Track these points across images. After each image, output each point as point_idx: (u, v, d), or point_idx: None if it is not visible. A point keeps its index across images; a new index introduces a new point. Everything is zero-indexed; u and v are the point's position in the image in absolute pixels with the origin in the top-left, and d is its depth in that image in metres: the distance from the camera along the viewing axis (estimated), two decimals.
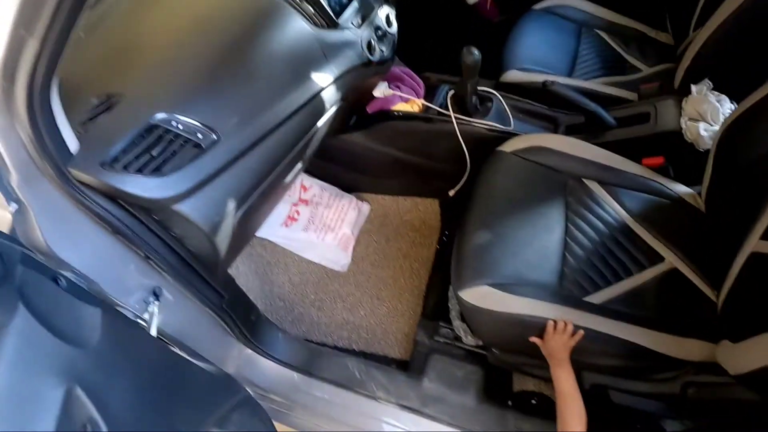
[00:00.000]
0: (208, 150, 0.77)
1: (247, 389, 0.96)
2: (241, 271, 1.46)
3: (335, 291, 1.44)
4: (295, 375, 1.16)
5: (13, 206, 0.64)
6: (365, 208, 1.59)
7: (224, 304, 1.01)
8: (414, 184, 1.54)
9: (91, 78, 0.77)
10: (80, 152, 0.67)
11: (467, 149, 1.28)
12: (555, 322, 0.86)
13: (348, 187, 1.62)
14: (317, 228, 1.50)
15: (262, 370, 1.16)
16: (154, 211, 0.77)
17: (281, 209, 1.52)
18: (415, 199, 1.57)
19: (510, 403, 1.08)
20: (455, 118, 1.25)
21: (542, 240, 1.00)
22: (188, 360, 0.81)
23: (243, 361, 1.14)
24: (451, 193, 1.50)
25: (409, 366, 1.18)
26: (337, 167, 1.58)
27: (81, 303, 0.62)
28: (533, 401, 1.08)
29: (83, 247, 0.74)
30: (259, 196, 0.91)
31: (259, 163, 0.87)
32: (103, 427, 0.54)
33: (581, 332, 0.85)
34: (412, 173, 1.47)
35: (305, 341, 1.26)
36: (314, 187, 1.56)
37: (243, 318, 1.10)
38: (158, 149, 0.72)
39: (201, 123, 0.78)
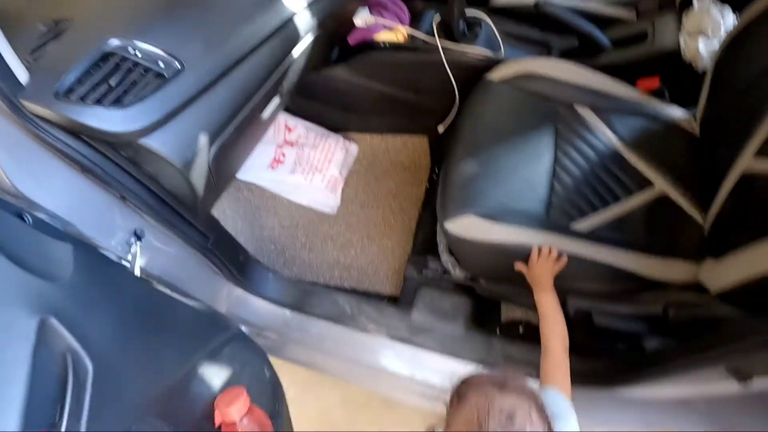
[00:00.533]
0: (172, 80, 0.73)
1: (240, 327, 0.99)
2: (228, 216, 1.45)
3: (325, 232, 1.44)
4: (287, 312, 1.19)
5: None
6: (353, 148, 1.55)
7: (210, 244, 1.00)
8: (402, 121, 1.49)
9: (36, 3, 0.71)
10: (31, 83, 0.63)
11: (455, 80, 1.22)
12: (540, 248, 0.85)
13: (334, 126, 1.57)
14: (304, 170, 1.47)
15: (254, 308, 1.18)
16: (121, 146, 0.74)
17: (266, 151, 1.49)
18: (404, 137, 1.53)
19: (498, 331, 1.11)
20: (442, 46, 1.18)
21: (530, 169, 0.97)
22: (173, 297, 0.81)
23: (234, 301, 1.16)
24: (441, 129, 1.45)
25: (399, 300, 1.20)
26: (322, 106, 1.52)
27: (50, 239, 0.61)
28: (520, 330, 1.11)
29: (53, 187, 0.72)
30: (234, 131, 0.88)
31: (229, 95, 0.83)
32: (84, 356, 0.55)
33: (565, 258, 0.85)
34: (399, 109, 1.42)
35: (296, 280, 1.28)
36: (299, 127, 1.52)
37: (231, 259, 1.10)
38: (116, 78, 0.68)
39: (162, 50, 0.73)
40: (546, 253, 0.85)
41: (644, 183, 0.97)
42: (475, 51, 1.18)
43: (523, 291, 0.96)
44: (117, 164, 0.75)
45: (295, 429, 1.44)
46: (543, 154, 1.00)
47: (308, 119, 1.55)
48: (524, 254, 0.87)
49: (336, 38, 1.27)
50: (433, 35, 1.20)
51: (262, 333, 1.20)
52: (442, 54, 1.18)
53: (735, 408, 0.65)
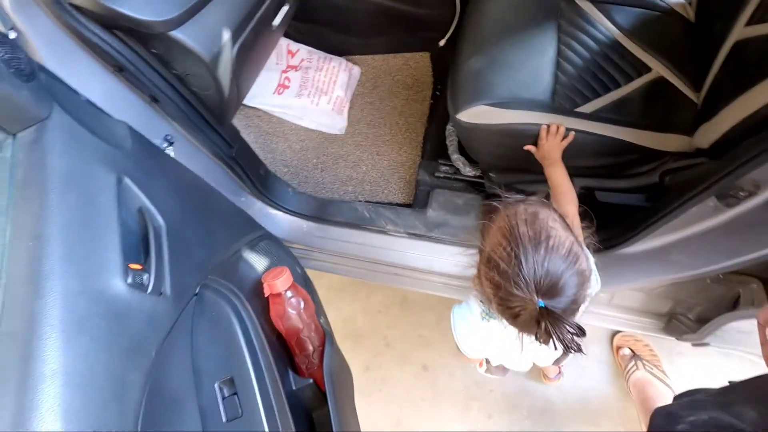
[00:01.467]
0: None
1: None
2: None
3: (335, 152, 1.49)
4: (309, 223, 1.26)
5: (12, 34, 0.64)
6: (356, 71, 1.57)
7: (234, 153, 1.05)
8: (402, 38, 1.50)
9: None
10: None
11: None
12: (548, 126, 0.92)
13: (336, 50, 1.58)
14: (310, 92, 1.50)
15: (277, 221, 1.25)
16: (152, 42, 0.77)
17: (271, 78, 1.51)
18: (405, 56, 1.55)
19: None
20: None
21: (534, 61, 1.02)
22: (216, 189, 0.87)
23: (257, 213, 1.23)
24: (442, 43, 1.48)
25: (414, 205, 1.27)
26: (323, 29, 1.53)
27: (107, 115, 0.66)
28: None
29: (90, 85, 0.75)
30: (251, 33, 0.90)
31: None
32: (156, 214, 0.61)
33: (573, 133, 0.91)
34: (399, 25, 1.43)
35: (312, 195, 1.34)
36: (301, 50, 1.53)
37: (253, 171, 1.15)
38: None
39: None
40: (554, 131, 0.91)
41: (643, 68, 1.02)
42: None
43: (533, 178, 1.04)
44: (148, 63, 0.79)
45: None
46: (546, 46, 1.04)
47: (310, 44, 1.56)
48: (533, 134, 0.94)
49: None
50: None
51: (287, 244, 1.28)
52: None
53: (707, 246, 0.74)
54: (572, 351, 0.61)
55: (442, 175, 1.22)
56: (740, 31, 0.85)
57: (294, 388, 0.84)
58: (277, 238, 1.07)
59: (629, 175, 0.97)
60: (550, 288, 0.59)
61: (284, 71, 1.51)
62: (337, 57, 1.55)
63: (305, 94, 1.49)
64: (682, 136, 0.93)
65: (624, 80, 1.01)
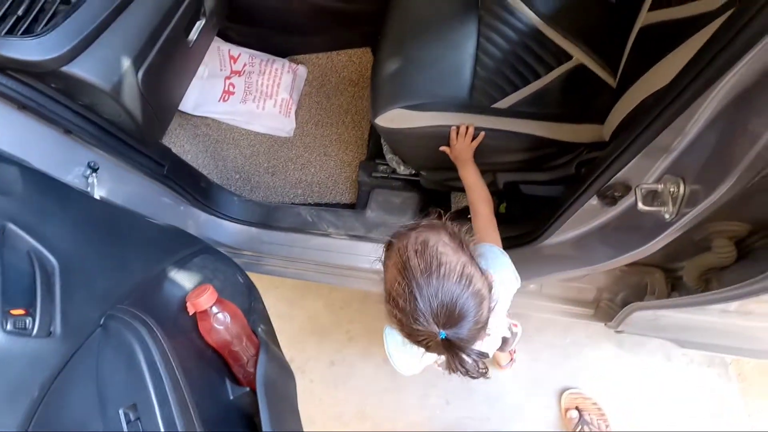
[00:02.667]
0: (80, 5, 0.75)
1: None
2: (189, 152, 1.51)
3: (285, 155, 1.50)
4: (255, 229, 1.28)
5: None
6: (301, 70, 1.56)
7: (165, 172, 1.07)
8: (342, 35, 1.49)
9: None
10: None
11: None
12: (458, 127, 0.92)
13: (281, 51, 1.57)
14: (255, 97, 1.50)
15: (223, 230, 1.28)
16: (48, 78, 0.78)
17: (215, 85, 1.51)
18: (348, 52, 1.54)
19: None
20: None
21: (454, 56, 1.01)
22: (133, 212, 0.90)
23: (203, 224, 1.25)
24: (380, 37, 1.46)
25: (357, 204, 1.29)
26: (264, 30, 1.52)
27: None
28: (469, 216, 1.21)
29: None
30: (159, 54, 0.91)
31: (144, 17, 0.85)
32: (47, 254, 0.64)
33: (482, 133, 0.92)
34: (336, 22, 1.42)
35: (259, 201, 1.36)
36: (243, 55, 1.52)
37: (191, 185, 1.17)
38: (23, 8, 0.71)
39: None
40: (463, 132, 0.92)
41: (563, 57, 1.01)
42: None
43: (458, 175, 1.05)
44: (51, 98, 0.80)
45: (288, 333, 1.60)
46: (465, 41, 1.03)
47: (252, 47, 1.55)
48: (447, 136, 0.94)
49: None
50: None
51: (236, 252, 1.31)
52: None
53: (598, 243, 0.75)
54: (476, 377, 0.62)
55: (379, 175, 1.23)
56: (645, 15, 0.84)
57: (231, 397, 0.87)
58: (216, 250, 1.10)
59: (548, 168, 0.97)
60: (448, 317, 0.59)
61: (228, 77, 1.51)
62: (280, 59, 1.55)
63: (250, 99, 1.50)
64: (594, 125, 0.92)
65: (544, 70, 1.00)
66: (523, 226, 0.99)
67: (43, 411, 0.54)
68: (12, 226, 0.61)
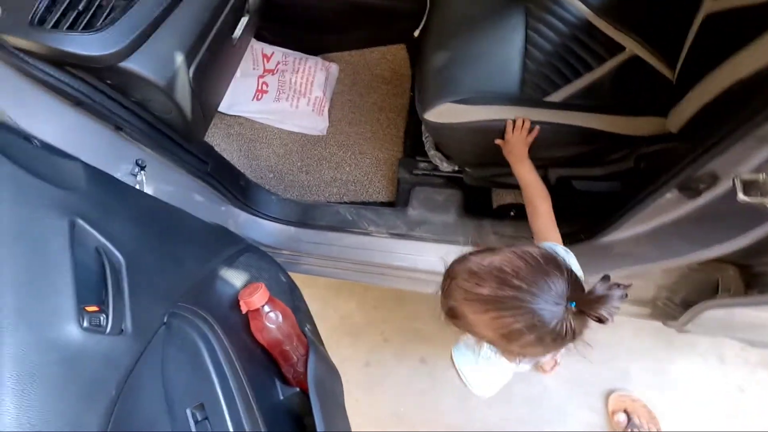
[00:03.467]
0: (136, 0, 0.74)
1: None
2: (224, 151, 1.50)
3: (319, 154, 1.49)
4: (293, 228, 1.27)
5: None
6: (333, 69, 1.55)
7: (209, 169, 1.06)
8: (377, 32, 1.47)
9: None
10: (5, 16, 0.66)
11: None
12: (513, 121, 0.90)
13: (313, 49, 1.56)
14: (288, 96, 1.49)
15: (262, 229, 1.27)
16: (104, 74, 0.77)
17: (249, 84, 1.50)
18: (381, 49, 1.52)
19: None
20: None
21: (501, 52, 0.99)
22: (185, 211, 0.89)
23: (242, 224, 1.24)
24: (416, 33, 1.44)
25: (396, 203, 1.27)
26: (297, 29, 1.51)
27: (59, 158, 0.67)
28: (512, 213, 1.18)
29: (50, 122, 0.76)
30: (207, 51, 0.90)
31: (196, 13, 0.84)
32: (114, 250, 0.63)
33: (537, 127, 0.89)
34: (372, 19, 1.40)
35: (296, 201, 1.35)
36: (276, 53, 1.51)
37: (232, 183, 1.16)
38: (83, 3, 0.70)
39: None
40: (519, 125, 0.89)
41: (615, 48, 0.98)
42: None
43: (507, 171, 1.03)
44: (105, 93, 0.79)
45: (322, 333, 1.59)
46: (514, 34, 1.01)
47: (285, 46, 1.54)
48: (500, 129, 0.92)
49: None
50: None
51: (274, 251, 1.30)
52: None
53: (674, 238, 0.72)
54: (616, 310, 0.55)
55: (420, 173, 1.21)
56: (708, 3, 0.81)
57: (282, 397, 0.86)
58: (259, 249, 1.09)
59: (604, 162, 0.94)
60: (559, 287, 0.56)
61: (261, 76, 1.50)
62: (313, 57, 1.54)
63: (283, 98, 1.49)
64: (656, 118, 0.89)
65: (596, 63, 0.97)
66: (576, 222, 0.96)
67: (119, 410, 0.53)
68: (81, 222, 0.60)
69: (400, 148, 1.41)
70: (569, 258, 0.74)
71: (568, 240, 0.97)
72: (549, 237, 0.81)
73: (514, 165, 0.90)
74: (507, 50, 0.99)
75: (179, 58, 0.83)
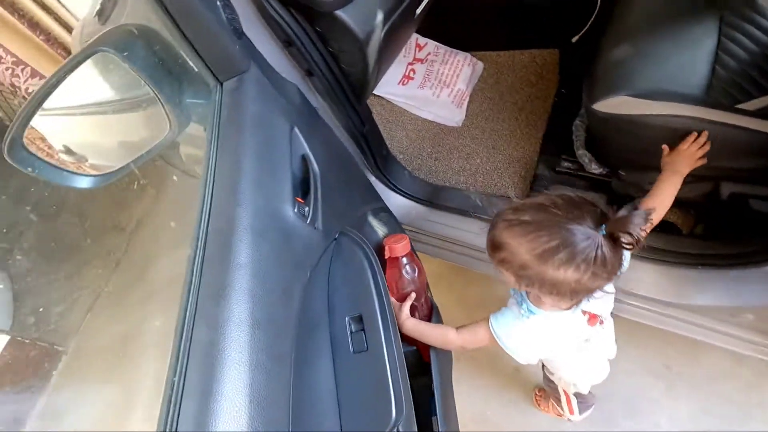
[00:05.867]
0: None
1: None
2: None
3: (451, 144, 1.52)
4: (421, 207, 1.31)
5: None
6: (479, 66, 1.59)
7: (365, 131, 1.14)
8: (532, 34, 1.49)
9: None
10: None
11: None
12: (698, 134, 0.85)
13: (462, 45, 1.62)
14: (433, 84, 1.55)
15: (392, 201, 1.32)
16: (317, 20, 0.87)
17: (397, 69, 1.59)
18: (532, 52, 1.53)
19: None
20: None
21: (687, 54, 0.95)
22: (353, 157, 0.96)
23: None
24: (574, 39, 1.43)
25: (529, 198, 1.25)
26: (451, 25, 1.58)
27: (281, 76, 0.77)
28: (657, 230, 1.11)
29: (264, 54, 0.88)
30: (399, 17, 0.98)
31: None
32: (314, 162, 0.70)
33: (708, 147, 0.84)
34: (531, 17, 1.42)
35: (426, 180, 1.39)
36: (429, 44, 1.59)
37: (377, 149, 1.23)
38: None
39: None
40: (701, 141, 0.84)
41: None
42: None
43: None
44: (310, 38, 0.90)
45: None
46: (705, 39, 0.96)
47: (436, 38, 1.62)
48: (676, 131, 0.87)
49: None
50: None
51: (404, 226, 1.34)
52: None
53: None
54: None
55: (564, 171, 1.19)
56: None
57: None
58: (393, 213, 1.14)
59: None
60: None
61: (410, 63, 1.59)
62: (462, 52, 1.59)
63: (428, 86, 1.56)
64: None
65: None
66: (749, 243, 0.88)
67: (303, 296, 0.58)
68: (296, 130, 0.68)
69: (537, 149, 1.39)
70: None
71: (729, 262, 0.88)
72: None
73: (667, 174, 0.85)
74: (695, 53, 0.94)
75: (379, 17, 0.91)
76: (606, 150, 1.06)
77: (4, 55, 1.73)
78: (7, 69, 1.78)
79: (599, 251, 0.61)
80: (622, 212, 0.62)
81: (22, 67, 1.79)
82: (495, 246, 0.70)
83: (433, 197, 1.30)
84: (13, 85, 1.83)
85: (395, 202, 1.33)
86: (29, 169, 0.57)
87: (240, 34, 0.63)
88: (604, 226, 0.61)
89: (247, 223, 0.51)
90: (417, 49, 1.60)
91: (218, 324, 0.44)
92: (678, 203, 1.00)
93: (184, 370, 0.42)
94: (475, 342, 0.83)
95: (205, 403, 0.39)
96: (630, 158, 1.02)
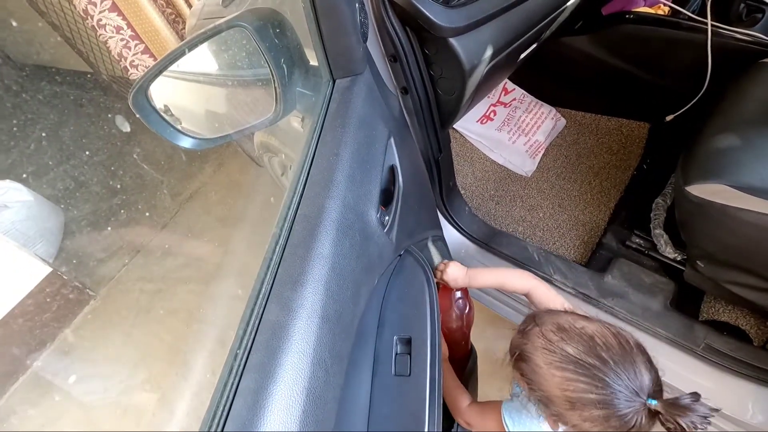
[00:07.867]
0: None
1: None
2: None
3: (515, 191, 1.50)
4: (474, 246, 1.28)
5: None
6: (561, 122, 1.57)
7: (439, 158, 1.14)
8: (625, 103, 1.46)
9: None
10: None
11: (713, 65, 1.16)
12: None
13: (548, 99, 1.61)
14: (511, 130, 1.55)
15: (447, 235, 1.30)
16: (428, 44, 0.89)
17: (479, 107, 1.60)
18: (620, 121, 1.50)
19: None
20: (712, 25, 1.13)
21: None
22: (428, 180, 0.96)
23: None
24: (669, 117, 1.39)
25: (588, 265, 1.20)
26: (543, 78, 1.58)
27: (386, 85, 0.78)
28: (724, 333, 1.02)
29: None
30: (504, 57, 0.98)
31: (518, 21, 0.94)
32: (400, 175, 0.70)
33: None
34: (628, 89, 1.40)
35: (485, 221, 1.36)
36: (516, 90, 1.59)
37: (445, 179, 1.23)
38: None
39: None
40: None
41: None
42: (751, 36, 1.11)
43: (753, 282, 0.90)
44: (416, 58, 0.91)
45: None
46: None
47: (524, 87, 1.62)
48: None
49: (593, 5, 1.31)
50: (702, 14, 1.16)
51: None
52: (709, 34, 1.13)
53: None
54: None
55: (633, 246, 1.13)
56: None
57: None
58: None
59: None
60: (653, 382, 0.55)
61: (493, 104, 1.60)
62: (547, 105, 1.58)
63: (506, 130, 1.55)
64: None
65: None
66: None
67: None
68: (392, 140, 0.68)
69: (606, 217, 1.34)
70: None
71: None
72: None
73: None
74: None
75: (488, 53, 0.92)
76: (688, 236, 1.00)
77: (125, 27, 1.89)
78: (122, 40, 1.93)
79: (638, 420, 0.53)
80: (684, 398, 0.52)
81: (137, 42, 1.94)
82: (520, 357, 0.64)
83: (489, 240, 1.27)
84: (120, 54, 1.98)
85: (450, 235, 1.31)
86: (145, 117, 0.60)
87: (366, 38, 0.65)
88: (654, 402, 0.53)
89: (335, 216, 0.51)
90: (503, 92, 1.60)
91: (291, 309, 0.43)
92: (755, 309, 0.93)
93: (249, 345, 0.41)
94: (480, 427, 0.76)
95: (264, 383, 0.38)
96: (713, 251, 0.96)
